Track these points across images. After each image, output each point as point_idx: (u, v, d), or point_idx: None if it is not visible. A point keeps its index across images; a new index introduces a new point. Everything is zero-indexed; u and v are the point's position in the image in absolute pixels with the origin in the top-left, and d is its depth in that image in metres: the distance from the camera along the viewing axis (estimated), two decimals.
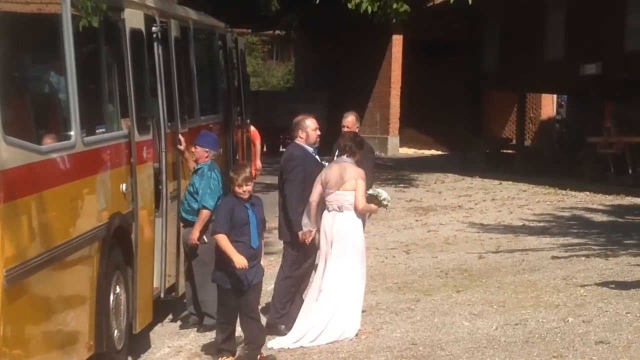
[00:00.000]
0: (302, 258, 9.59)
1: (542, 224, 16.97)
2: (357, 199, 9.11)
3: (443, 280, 12.03)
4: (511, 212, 18.58)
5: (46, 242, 6.82)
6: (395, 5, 21.26)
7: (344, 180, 9.13)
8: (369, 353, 8.76)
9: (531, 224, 16.90)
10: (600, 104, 24.34)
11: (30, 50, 7.45)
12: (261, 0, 25.87)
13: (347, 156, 9.28)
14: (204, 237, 9.98)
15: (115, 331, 8.51)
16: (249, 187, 8.28)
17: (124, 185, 8.75)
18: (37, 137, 7.01)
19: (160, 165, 10.06)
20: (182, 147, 10.62)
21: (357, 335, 9.23)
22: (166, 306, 10.70)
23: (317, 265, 9.52)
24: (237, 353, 8.64)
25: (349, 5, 21.16)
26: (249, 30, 50.07)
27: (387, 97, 37.00)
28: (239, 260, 8.16)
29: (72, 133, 7.44)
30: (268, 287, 10.19)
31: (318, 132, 9.75)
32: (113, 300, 8.43)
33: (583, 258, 12.99)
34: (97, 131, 8.42)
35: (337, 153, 9.51)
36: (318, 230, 9.28)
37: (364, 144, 9.65)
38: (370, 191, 9.32)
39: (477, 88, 31.51)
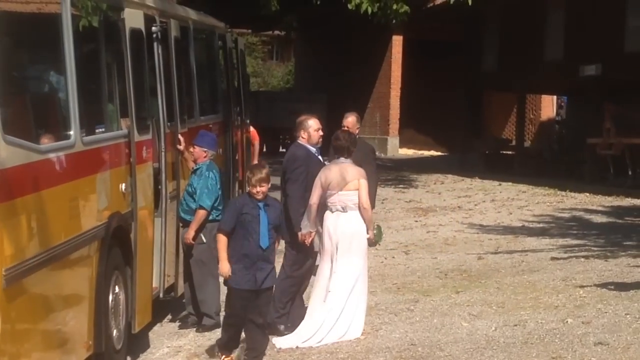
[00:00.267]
0: (303, 258, 9.58)
1: (541, 225, 16.97)
2: (362, 198, 9.10)
3: (442, 281, 12.03)
4: (511, 213, 18.59)
5: (45, 242, 6.82)
6: (395, 6, 21.31)
7: (346, 181, 9.12)
8: (368, 353, 8.76)
9: (531, 225, 16.90)
10: (599, 105, 24.34)
11: (30, 49, 7.45)
12: (261, 0, 25.90)
13: (345, 157, 9.26)
14: (202, 236, 9.98)
15: (114, 331, 8.50)
16: (263, 188, 8.19)
17: (124, 185, 8.74)
18: (36, 137, 7.00)
19: (160, 165, 10.05)
20: (181, 147, 10.62)
21: (356, 337, 9.23)
22: (165, 306, 10.69)
23: (317, 266, 9.52)
24: (236, 352, 8.62)
25: (349, 6, 21.21)
26: (249, 31, 50.11)
27: (387, 98, 37.02)
28: (223, 268, 8.20)
29: (71, 132, 7.43)
30: None
31: (321, 133, 9.75)
32: (112, 300, 8.42)
33: (582, 259, 12.99)
34: (97, 131, 8.42)
35: (333, 154, 9.49)
36: (318, 232, 9.27)
37: (357, 141, 9.65)
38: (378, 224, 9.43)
39: (476, 89, 31.51)
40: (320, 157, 9.73)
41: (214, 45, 14.25)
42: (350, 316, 9.17)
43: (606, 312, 9.66)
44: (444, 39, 35.18)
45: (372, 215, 9.30)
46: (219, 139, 12.03)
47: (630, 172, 23.33)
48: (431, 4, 31.90)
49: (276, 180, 9.53)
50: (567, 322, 9.36)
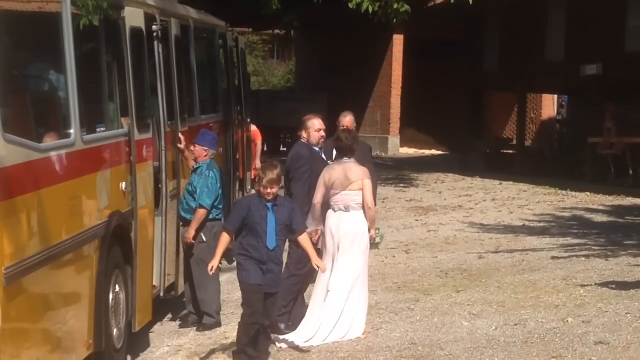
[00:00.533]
0: (307, 257, 9.57)
1: (542, 224, 16.97)
2: (367, 198, 9.10)
3: (442, 280, 12.03)
4: (511, 212, 18.58)
5: (45, 240, 6.81)
6: (395, 5, 21.31)
7: (350, 181, 9.12)
8: (368, 352, 8.76)
9: (531, 224, 16.90)
10: (600, 104, 24.33)
11: (30, 48, 7.44)
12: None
13: (348, 157, 9.27)
14: (202, 235, 9.97)
15: (115, 330, 8.50)
16: (273, 190, 8.16)
17: (124, 183, 8.74)
18: (36, 135, 7.00)
19: (160, 163, 10.05)
20: (181, 146, 10.61)
21: (358, 335, 9.23)
22: (165, 305, 10.69)
23: None
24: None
25: (350, 5, 21.21)
26: (250, 30, 50.07)
27: (387, 97, 36.99)
28: (213, 262, 8.30)
29: (71, 131, 7.43)
30: None
31: (322, 134, 9.76)
32: (112, 299, 8.42)
33: (583, 258, 12.99)
34: (97, 129, 8.41)
35: (335, 154, 9.48)
36: (322, 230, 9.29)
37: (358, 139, 9.66)
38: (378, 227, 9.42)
39: (477, 88, 31.48)
40: (323, 155, 9.75)
41: (214, 44, 14.25)
42: (351, 315, 9.17)
43: (606, 311, 9.66)
44: (444, 38, 35.15)
45: (375, 215, 9.30)
46: (219, 137, 12.02)
47: (630, 172, 23.31)
48: (432, 3, 31.86)
49: None
50: (567, 321, 9.36)
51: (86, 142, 7.72)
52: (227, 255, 12.61)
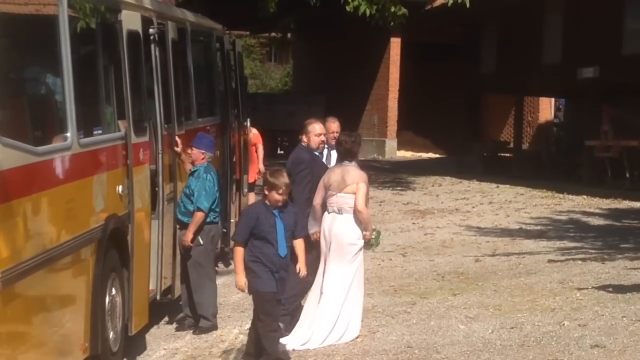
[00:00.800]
0: (311, 259, 9.58)
1: (539, 227, 16.98)
2: (357, 201, 9.11)
3: (439, 283, 12.03)
4: (508, 216, 18.59)
5: (42, 244, 6.82)
6: (393, 8, 21.31)
7: (346, 184, 9.14)
8: (365, 356, 8.76)
9: (528, 228, 16.91)
10: (598, 107, 24.35)
11: (27, 51, 7.44)
12: (259, 2, 25.90)
13: (349, 160, 9.29)
14: (199, 239, 9.97)
15: (111, 333, 8.50)
16: (284, 196, 8.14)
17: (121, 187, 8.74)
18: (33, 139, 7.00)
19: (157, 167, 10.05)
20: (178, 149, 10.62)
21: (354, 339, 9.23)
22: (162, 308, 10.68)
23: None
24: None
25: (347, 8, 21.21)
26: (247, 33, 50.10)
27: (385, 100, 37.00)
28: (240, 281, 8.10)
29: (68, 134, 7.43)
30: None
31: (322, 138, 9.80)
32: (109, 302, 8.41)
33: (579, 262, 13.00)
34: (94, 133, 8.41)
35: (337, 158, 9.54)
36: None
37: (361, 141, 9.69)
38: (374, 226, 9.45)
39: (474, 91, 31.52)
40: (324, 160, 9.79)
41: (211, 47, 14.25)
42: (347, 319, 9.17)
43: (603, 315, 9.66)
44: (442, 42, 35.20)
45: (368, 217, 9.28)
46: (216, 141, 12.02)
47: (627, 175, 23.34)
48: (429, 7, 31.88)
49: None
50: (563, 324, 9.36)
51: (83, 146, 7.72)
52: (223, 258, 12.64)
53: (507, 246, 14.88)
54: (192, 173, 10.18)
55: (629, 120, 23.50)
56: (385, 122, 37.05)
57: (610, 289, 10.90)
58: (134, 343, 9.47)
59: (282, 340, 9.14)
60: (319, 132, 9.78)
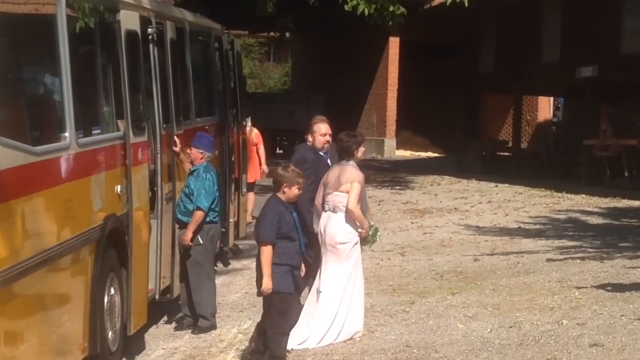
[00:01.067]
0: (313, 257, 9.59)
1: (537, 226, 16.99)
2: (349, 199, 9.11)
3: (438, 282, 12.03)
4: (507, 215, 18.59)
5: (40, 244, 6.81)
6: (391, 8, 21.34)
7: (341, 183, 9.16)
8: (363, 355, 8.76)
9: (527, 227, 16.91)
10: (596, 106, 24.36)
11: (25, 51, 7.44)
12: (258, 2, 25.91)
13: (346, 160, 9.30)
14: (199, 238, 9.97)
15: (110, 333, 8.49)
16: (301, 191, 8.22)
17: (119, 186, 8.73)
18: (31, 138, 6.99)
19: (156, 166, 10.04)
20: (177, 149, 10.62)
21: (352, 337, 9.23)
22: (161, 308, 10.68)
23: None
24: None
25: (346, 7, 21.24)
26: (246, 32, 50.10)
27: (383, 99, 37.03)
28: (267, 284, 7.97)
29: (66, 134, 7.43)
30: None
31: (327, 139, 9.82)
32: (107, 302, 8.41)
33: (578, 261, 13.00)
34: (92, 132, 8.41)
35: (337, 158, 9.55)
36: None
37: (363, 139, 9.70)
38: (372, 223, 9.42)
39: (473, 90, 31.52)
40: (329, 160, 9.79)
41: (210, 47, 14.24)
42: (343, 318, 9.16)
43: (601, 314, 9.67)
44: (440, 41, 35.21)
45: (361, 215, 9.24)
46: (215, 140, 12.02)
47: (626, 174, 23.35)
48: (428, 6, 31.90)
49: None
50: (562, 323, 9.37)
51: (81, 145, 7.72)
52: (222, 258, 12.63)
53: (506, 245, 14.89)
54: (191, 172, 10.18)
55: (628, 119, 23.52)
56: (384, 122, 37.08)
57: (609, 288, 10.90)
58: (133, 343, 9.47)
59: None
60: (324, 132, 9.80)
